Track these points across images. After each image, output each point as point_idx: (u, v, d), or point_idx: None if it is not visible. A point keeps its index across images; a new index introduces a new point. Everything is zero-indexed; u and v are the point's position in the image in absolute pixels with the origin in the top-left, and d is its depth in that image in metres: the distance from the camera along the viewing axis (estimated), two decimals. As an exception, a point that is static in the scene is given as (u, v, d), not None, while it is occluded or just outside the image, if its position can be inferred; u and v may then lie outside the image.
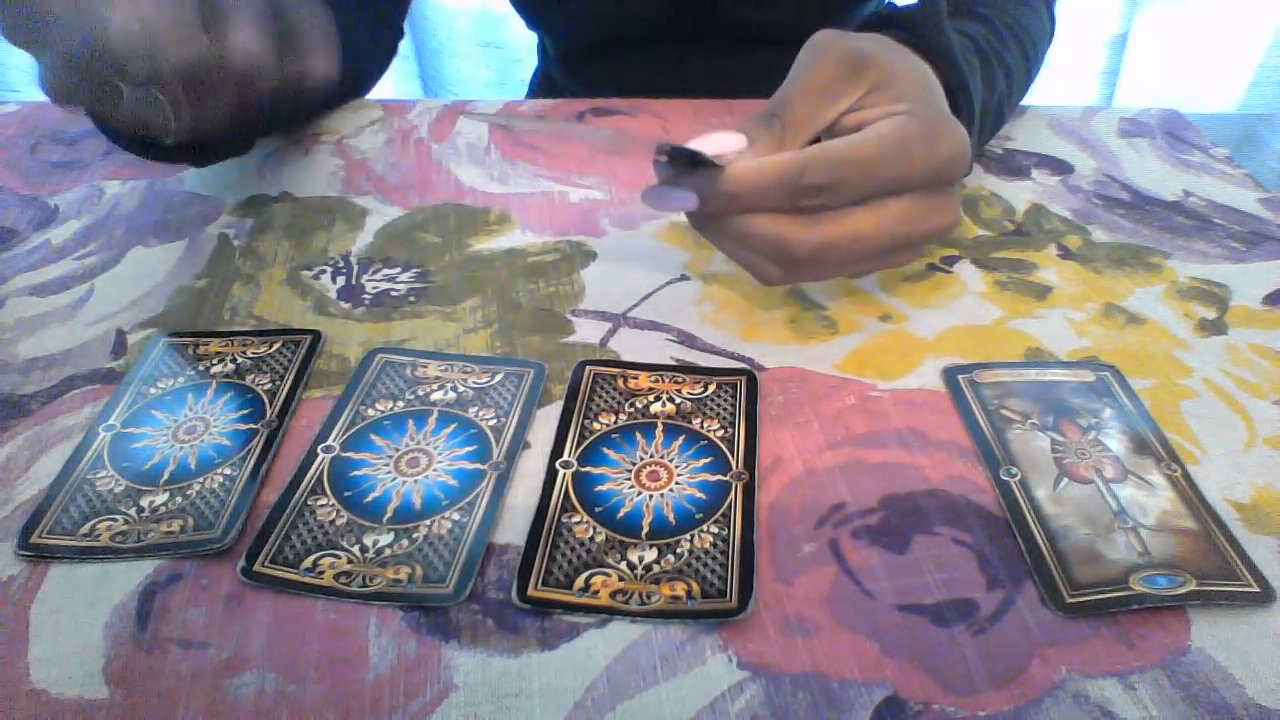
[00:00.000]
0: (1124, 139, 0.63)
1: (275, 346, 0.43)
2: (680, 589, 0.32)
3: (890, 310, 0.46)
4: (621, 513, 0.35)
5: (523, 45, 1.39)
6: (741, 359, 0.43)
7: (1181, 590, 0.32)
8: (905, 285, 0.48)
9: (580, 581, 0.32)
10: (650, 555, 0.33)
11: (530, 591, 0.32)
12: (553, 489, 0.36)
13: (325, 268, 0.49)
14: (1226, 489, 0.37)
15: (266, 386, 0.40)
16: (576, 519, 0.34)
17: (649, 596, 0.32)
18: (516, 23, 1.38)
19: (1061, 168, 0.60)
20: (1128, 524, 0.35)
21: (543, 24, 0.80)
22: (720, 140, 0.40)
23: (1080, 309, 0.47)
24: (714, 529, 0.34)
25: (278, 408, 0.39)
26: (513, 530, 0.35)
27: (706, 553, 0.33)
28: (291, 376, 0.41)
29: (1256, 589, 0.32)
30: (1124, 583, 0.32)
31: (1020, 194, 0.57)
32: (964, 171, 0.41)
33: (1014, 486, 0.36)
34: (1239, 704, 0.29)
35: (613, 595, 0.32)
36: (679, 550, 0.33)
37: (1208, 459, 0.38)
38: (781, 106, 0.40)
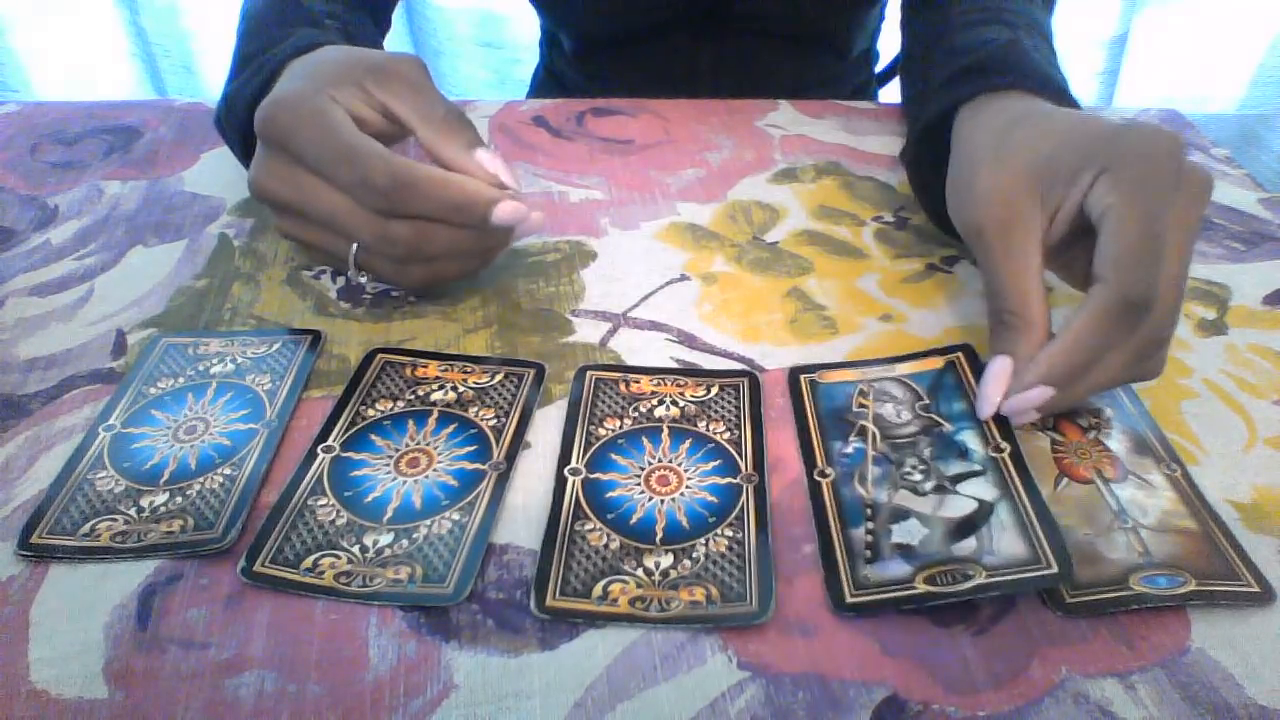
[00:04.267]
0: (1124, 139, 0.63)
1: (276, 347, 0.43)
2: (699, 594, 0.32)
3: (890, 310, 0.46)
4: (634, 518, 0.35)
5: (523, 45, 1.39)
6: (741, 359, 0.43)
7: (1182, 590, 0.32)
8: (905, 285, 0.48)
9: (599, 589, 0.32)
10: (666, 561, 0.33)
11: (549, 602, 0.32)
12: (563, 497, 0.36)
13: (325, 268, 0.49)
14: (1226, 489, 0.37)
15: (266, 386, 0.40)
16: (590, 526, 0.34)
17: (668, 603, 0.32)
18: (516, 23, 1.38)
19: (1061, 168, 0.59)
20: (1128, 524, 0.35)
21: (558, 16, 0.80)
22: (998, 375, 0.38)
23: (1080, 309, 0.47)
24: (728, 532, 0.34)
25: (278, 408, 0.39)
26: (513, 530, 0.35)
27: (723, 556, 0.33)
28: (291, 376, 0.41)
29: (1256, 589, 0.32)
30: (1124, 583, 0.32)
31: (1020, 194, 0.56)
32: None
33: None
34: (1239, 704, 0.29)
35: (632, 603, 0.32)
36: (695, 555, 0.33)
37: (1208, 459, 0.38)
38: (1004, 301, 0.38)
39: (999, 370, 0.38)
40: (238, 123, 0.48)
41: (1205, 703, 0.29)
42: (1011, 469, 0.36)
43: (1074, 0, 1.28)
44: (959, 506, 0.35)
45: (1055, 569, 0.32)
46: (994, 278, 0.39)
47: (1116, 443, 0.38)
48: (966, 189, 0.41)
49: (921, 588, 0.32)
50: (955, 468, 0.36)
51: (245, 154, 0.45)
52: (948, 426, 0.38)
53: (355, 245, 0.42)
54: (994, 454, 0.37)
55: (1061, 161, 0.39)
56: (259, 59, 0.48)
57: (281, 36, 0.49)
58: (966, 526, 0.34)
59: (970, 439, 0.37)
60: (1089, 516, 0.35)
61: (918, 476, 0.36)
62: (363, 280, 0.44)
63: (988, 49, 0.49)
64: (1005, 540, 0.33)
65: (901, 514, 0.35)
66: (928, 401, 0.40)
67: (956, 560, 0.33)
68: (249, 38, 0.53)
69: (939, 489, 0.36)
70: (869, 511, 0.35)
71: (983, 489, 0.35)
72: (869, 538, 0.34)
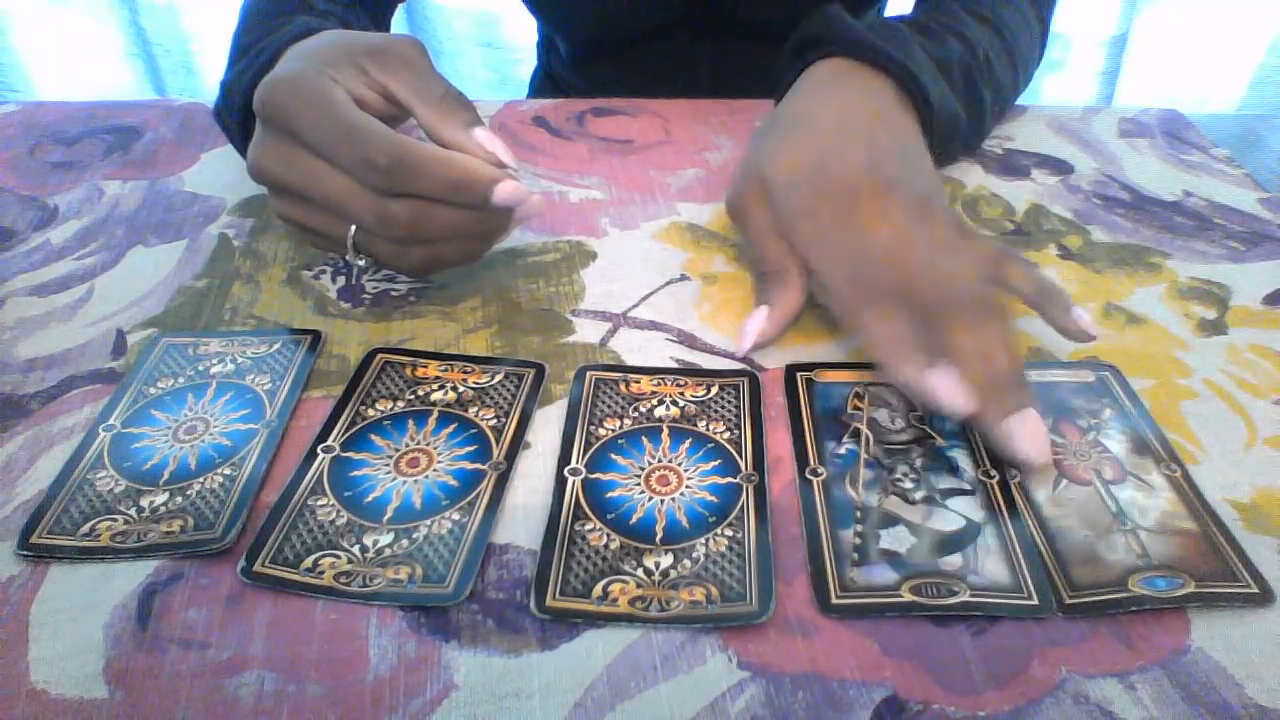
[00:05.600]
0: (1124, 139, 0.63)
1: (276, 347, 0.43)
2: (699, 594, 0.32)
3: (890, 310, 0.46)
4: (634, 519, 0.35)
5: (523, 45, 1.39)
6: (741, 359, 0.43)
7: (1180, 592, 0.32)
8: (905, 285, 0.48)
9: (599, 590, 0.32)
10: (666, 560, 0.33)
11: (549, 602, 0.32)
12: (563, 497, 0.35)
13: (325, 268, 0.49)
14: (1226, 489, 0.37)
15: (266, 386, 0.40)
16: (590, 526, 0.34)
17: (668, 602, 0.32)
18: (516, 23, 1.38)
19: (1061, 168, 0.60)
20: (1127, 526, 0.35)
21: (555, 21, 0.80)
22: (756, 318, 0.43)
23: (1080, 309, 0.46)
24: (728, 532, 0.34)
25: (278, 408, 0.39)
26: (513, 530, 0.35)
27: (723, 555, 0.33)
28: (291, 376, 0.41)
29: (1255, 590, 0.32)
30: (1123, 585, 0.32)
31: (1020, 194, 0.57)
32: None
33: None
34: (1239, 704, 0.29)
35: (632, 602, 0.32)
36: (695, 555, 0.33)
37: (1208, 459, 0.38)
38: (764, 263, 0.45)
39: (757, 315, 0.43)
40: (236, 111, 0.48)
41: (1205, 703, 0.29)
42: (999, 496, 0.36)
43: (1074, 0, 1.28)
44: (947, 521, 0.35)
45: (1036, 601, 0.32)
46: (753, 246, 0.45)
47: (1116, 443, 0.38)
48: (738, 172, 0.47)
49: (907, 597, 0.32)
50: (945, 482, 0.36)
51: (244, 143, 0.45)
52: (940, 440, 0.38)
53: (354, 227, 0.42)
54: (984, 478, 0.37)
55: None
56: (257, 46, 0.48)
57: (279, 25, 0.49)
58: (953, 542, 0.34)
59: (961, 458, 0.37)
60: (1088, 518, 0.35)
61: (909, 484, 0.36)
62: (360, 264, 0.44)
63: (809, 24, 0.51)
64: (990, 563, 0.33)
65: (891, 520, 0.35)
66: (921, 412, 0.40)
67: (942, 574, 0.33)
68: (247, 29, 0.53)
69: (929, 500, 0.36)
70: (858, 514, 0.35)
71: (971, 509, 0.35)
72: (857, 540, 0.34)
